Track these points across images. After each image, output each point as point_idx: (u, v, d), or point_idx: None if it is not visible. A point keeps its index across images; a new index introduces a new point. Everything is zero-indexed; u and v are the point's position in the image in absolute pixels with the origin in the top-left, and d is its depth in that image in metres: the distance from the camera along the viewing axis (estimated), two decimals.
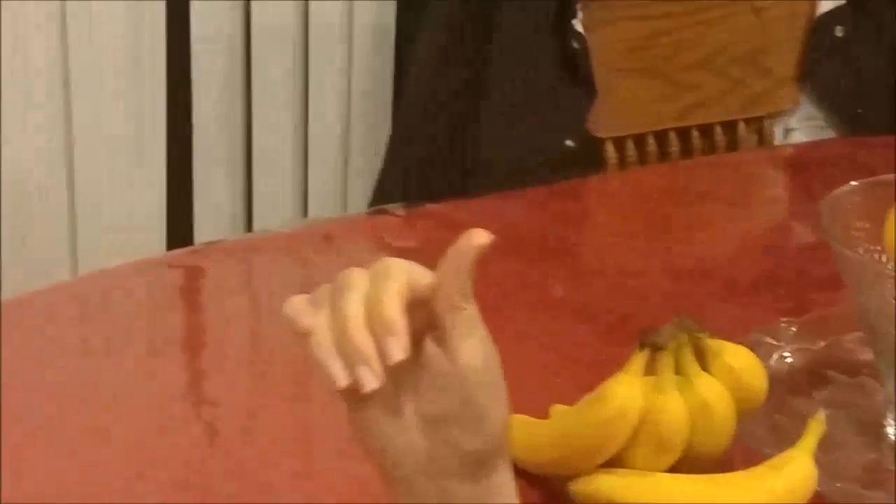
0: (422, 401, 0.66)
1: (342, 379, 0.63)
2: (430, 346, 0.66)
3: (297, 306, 0.65)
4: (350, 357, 0.63)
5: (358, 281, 0.65)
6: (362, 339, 0.63)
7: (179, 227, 2.00)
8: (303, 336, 0.65)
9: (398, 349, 0.63)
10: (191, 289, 1.41)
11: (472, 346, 0.65)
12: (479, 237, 0.64)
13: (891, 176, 1.09)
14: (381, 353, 0.63)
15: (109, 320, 1.31)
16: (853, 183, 1.10)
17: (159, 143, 2.04)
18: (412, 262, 0.66)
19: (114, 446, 1.09)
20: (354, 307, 0.64)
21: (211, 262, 1.43)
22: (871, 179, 1.10)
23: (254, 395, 1.19)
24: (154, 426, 1.12)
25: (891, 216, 1.04)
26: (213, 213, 2.10)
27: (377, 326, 0.63)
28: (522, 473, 0.99)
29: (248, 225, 2.14)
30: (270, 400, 1.17)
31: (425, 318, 0.65)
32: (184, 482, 1.04)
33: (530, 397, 1.03)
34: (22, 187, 2.02)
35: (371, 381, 0.63)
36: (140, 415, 1.13)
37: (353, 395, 0.64)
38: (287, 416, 1.15)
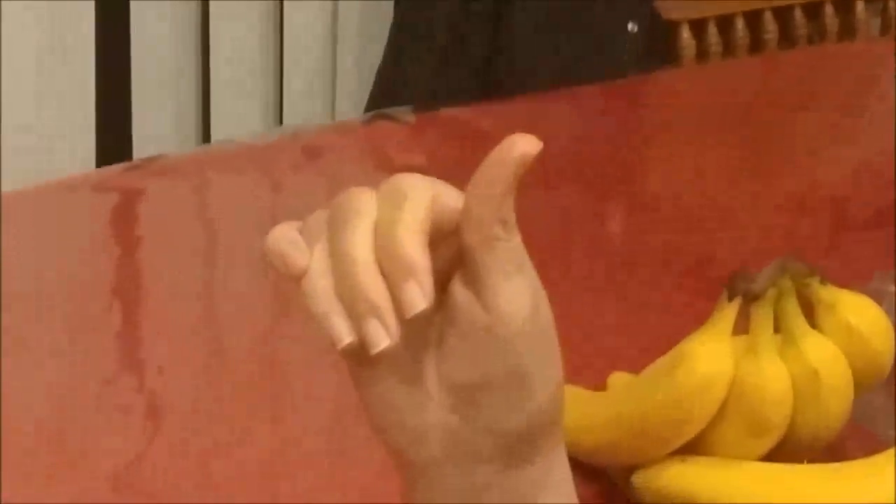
0: (448, 364, 0.65)
1: (346, 336, 0.62)
2: (459, 292, 0.64)
3: (284, 236, 0.64)
4: (356, 308, 0.62)
5: (365, 206, 0.63)
6: (372, 285, 0.62)
7: (113, 140, 2.00)
8: (293, 280, 0.64)
9: (419, 297, 0.61)
10: (126, 216, 1.42)
11: (515, 291, 0.63)
12: (526, 144, 0.62)
13: None
14: (397, 303, 0.62)
15: (29, 250, 1.32)
16: None
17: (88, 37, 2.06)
18: (435, 180, 0.64)
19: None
20: (361, 242, 0.62)
21: (151, 183, 1.45)
22: None
23: (210, 356, 1.21)
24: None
25: None
26: (156, 124, 2.11)
27: (391, 267, 0.62)
28: (575, 461, 1.01)
29: (206, 136, 2.16)
30: (232, 360, 1.19)
31: (453, 255, 0.64)
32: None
33: (583, 362, 1.06)
34: None
35: (383, 339, 0.61)
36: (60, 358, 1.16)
37: (360, 357, 0.63)
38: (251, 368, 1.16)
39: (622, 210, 1.38)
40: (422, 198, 0.63)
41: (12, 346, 1.16)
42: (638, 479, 0.99)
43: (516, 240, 0.63)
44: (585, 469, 1.00)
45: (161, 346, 1.22)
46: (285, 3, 2.23)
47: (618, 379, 1.03)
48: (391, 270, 0.62)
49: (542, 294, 0.64)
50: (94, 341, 1.21)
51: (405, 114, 1.49)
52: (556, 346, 0.65)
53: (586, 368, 1.04)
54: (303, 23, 2.22)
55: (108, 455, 1.07)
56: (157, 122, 2.18)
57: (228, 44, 2.21)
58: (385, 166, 1.38)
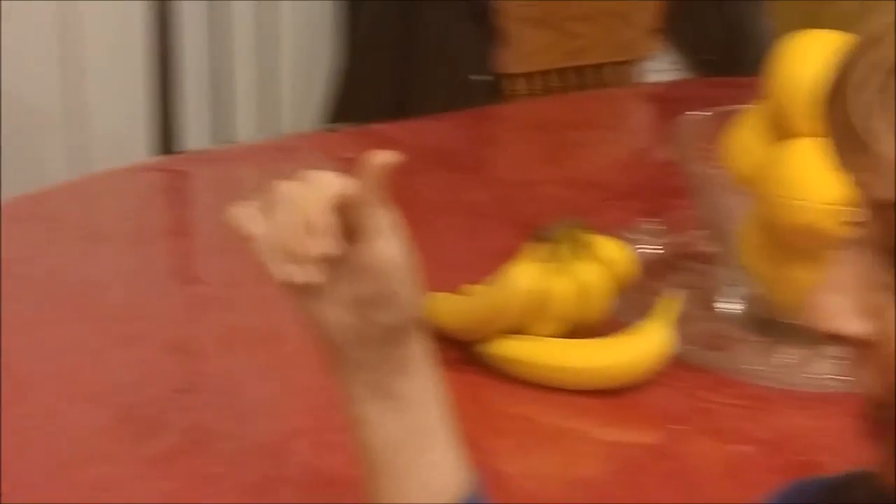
0: (347, 287, 0.64)
1: (287, 277, 0.62)
2: (353, 242, 0.63)
3: (241, 213, 0.63)
4: (290, 256, 0.62)
5: (291, 189, 0.63)
6: (299, 241, 0.61)
7: (164, 138, 1.93)
8: (247, 241, 0.63)
9: (327, 246, 0.61)
10: (173, 189, 1.38)
11: (385, 245, 0.63)
12: (384, 157, 0.62)
13: (728, 108, 1.10)
14: (315, 251, 0.62)
15: (105, 215, 1.28)
16: (700, 112, 1.11)
17: (142, 60, 1.96)
18: (337, 174, 0.64)
19: (112, 318, 1.07)
20: (292, 213, 0.62)
21: (192, 167, 1.41)
22: (711, 109, 1.12)
23: (232, 273, 1.17)
24: (147, 301, 1.10)
25: (726, 139, 1.06)
26: (191, 127, 2.02)
27: (310, 227, 0.61)
28: (444, 338, 1.01)
29: (217, 136, 2.10)
30: (245, 277, 1.17)
31: (352, 221, 0.63)
32: (173, 345, 1.04)
33: (451, 279, 1.04)
34: (20, 105, 1.90)
35: (308, 275, 0.62)
36: (134, 293, 1.12)
37: (296, 288, 0.63)
38: (258, 289, 1.14)
39: (479, 187, 1.36)
40: (327, 185, 0.63)
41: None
42: (484, 347, 0.99)
43: (388, 212, 0.63)
44: (452, 341, 0.99)
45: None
46: None
47: (471, 288, 1.02)
48: (311, 230, 0.62)
49: (405, 243, 0.64)
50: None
51: (345, 128, 1.48)
52: (415, 274, 0.65)
53: (454, 283, 1.03)
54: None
55: None
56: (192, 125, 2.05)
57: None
58: (331, 160, 1.36)
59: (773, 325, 1.03)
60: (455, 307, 1.01)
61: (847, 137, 0.45)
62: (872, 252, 0.46)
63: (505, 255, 1.02)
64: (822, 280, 0.47)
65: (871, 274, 0.46)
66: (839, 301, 0.46)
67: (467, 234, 1.23)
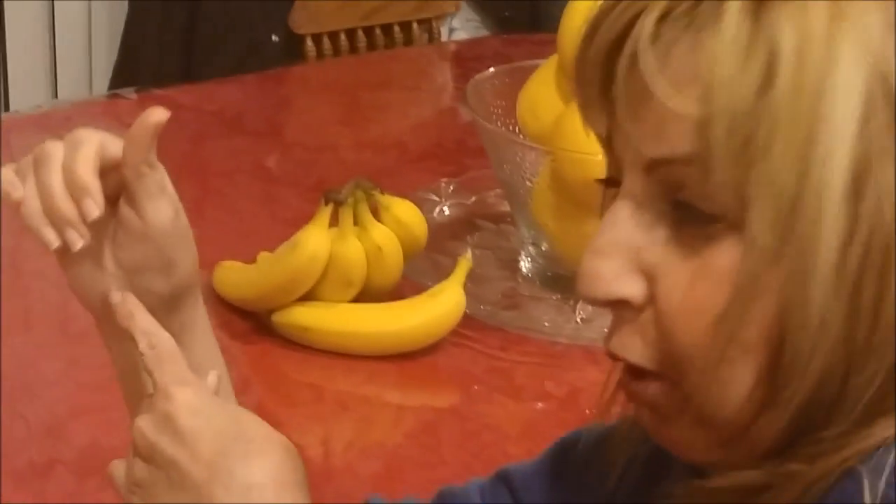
0: (120, 252, 0.62)
1: (54, 242, 0.59)
2: (123, 207, 0.60)
3: (8, 177, 0.60)
4: (57, 221, 0.59)
5: (54, 151, 0.59)
6: (64, 205, 0.58)
7: None
8: (13, 206, 0.59)
9: (93, 208, 0.58)
10: None
11: (157, 207, 0.60)
12: (156, 114, 0.60)
13: (521, 63, 1.11)
14: (81, 214, 0.58)
15: None
16: (492, 69, 1.11)
17: None
18: (103, 132, 0.60)
19: None
20: (54, 175, 0.58)
21: None
22: (507, 66, 1.12)
23: (8, 249, 1.13)
24: None
25: (520, 96, 1.07)
26: None
27: (74, 190, 0.58)
28: (234, 308, 0.99)
29: (6, 107, 2.02)
30: (23, 252, 1.12)
31: (118, 182, 0.60)
32: None
33: (245, 247, 1.02)
34: None
35: (77, 241, 0.59)
36: None
37: (66, 253, 0.60)
38: (36, 264, 1.10)
39: (271, 151, 1.35)
40: (92, 143, 0.60)
41: None
42: (276, 316, 0.97)
43: (159, 173, 0.60)
44: (243, 312, 0.98)
45: None
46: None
47: (262, 256, 1.01)
48: (74, 192, 0.59)
49: (179, 206, 0.62)
50: None
51: (130, 93, 1.43)
52: (191, 239, 0.63)
53: (244, 251, 1.01)
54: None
55: None
56: None
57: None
58: (118, 128, 1.31)
59: (567, 281, 1.05)
60: (244, 276, 0.99)
61: (630, 95, 0.45)
62: (643, 212, 0.46)
63: (299, 220, 1.00)
64: (591, 244, 0.46)
65: (641, 235, 0.46)
66: (609, 264, 0.46)
67: (261, 201, 1.20)
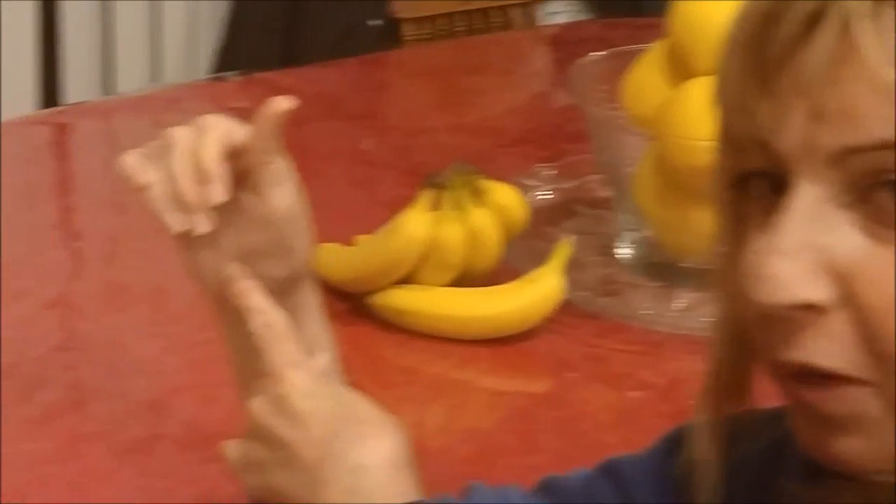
0: (240, 237, 0.63)
1: (178, 226, 0.61)
2: (246, 192, 0.62)
3: (130, 162, 0.61)
4: (181, 206, 0.60)
5: (181, 136, 0.61)
6: (189, 190, 0.60)
7: (47, 90, 1.90)
8: (139, 191, 0.61)
9: (218, 194, 0.60)
10: (59, 143, 1.36)
11: (279, 194, 0.62)
12: (283, 104, 0.61)
13: (626, 48, 1.10)
14: (206, 199, 0.60)
15: None
16: (597, 53, 1.10)
17: (28, 17, 1.92)
18: (228, 119, 0.62)
19: None
20: (180, 160, 0.60)
21: (75, 120, 1.38)
22: (610, 51, 1.11)
23: (115, 228, 1.16)
24: (28, 258, 1.08)
25: (625, 80, 1.05)
26: (77, 78, 1.99)
27: (200, 175, 0.60)
28: (332, 290, 1.00)
29: (108, 88, 2.06)
30: (128, 232, 1.15)
31: (243, 168, 0.61)
32: (54, 301, 1.01)
33: (343, 229, 1.03)
34: None
35: (200, 225, 0.60)
36: (14, 249, 1.08)
37: (188, 240, 0.62)
38: (141, 244, 1.13)
39: (368, 135, 1.35)
40: (218, 130, 0.61)
41: None
42: (373, 299, 0.98)
43: (282, 162, 0.61)
44: (340, 293, 0.99)
45: None
46: None
47: (361, 239, 1.02)
48: (199, 178, 0.60)
49: (299, 194, 0.63)
50: None
51: (234, 76, 1.45)
52: (308, 226, 0.64)
53: (342, 233, 1.02)
54: None
55: None
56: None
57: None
58: (220, 110, 1.32)
59: (667, 269, 1.04)
60: (343, 258, 1.00)
61: (825, 80, 0.42)
62: (827, 206, 0.43)
63: (397, 203, 1.01)
64: (770, 246, 0.43)
65: (826, 232, 0.43)
66: (792, 266, 0.43)
67: (359, 184, 1.21)
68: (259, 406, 0.59)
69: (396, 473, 0.57)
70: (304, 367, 0.60)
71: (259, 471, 0.60)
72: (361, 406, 0.59)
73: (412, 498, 0.57)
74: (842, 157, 0.42)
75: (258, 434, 0.59)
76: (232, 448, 0.62)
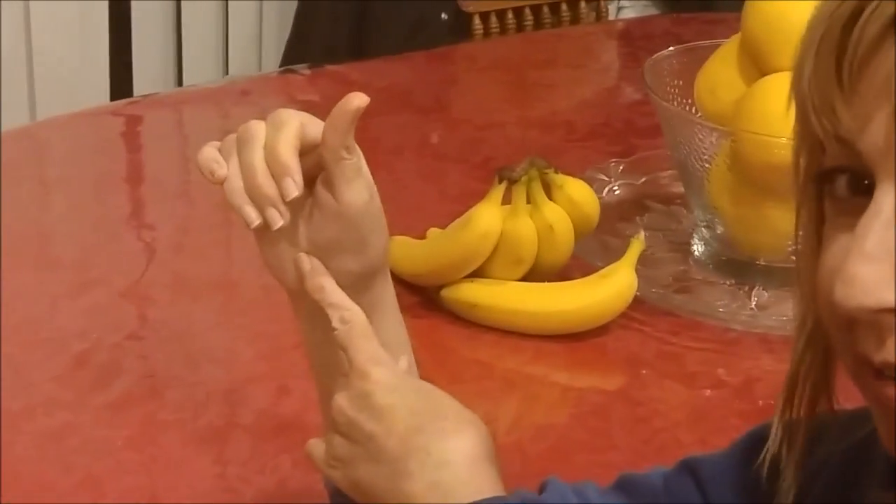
0: (315, 232, 0.63)
1: (255, 220, 0.61)
2: (320, 188, 0.62)
3: (209, 156, 0.62)
4: (258, 200, 0.60)
5: (257, 131, 0.61)
6: (265, 184, 0.60)
7: (120, 81, 1.91)
8: (216, 184, 0.61)
9: (293, 188, 0.59)
10: (131, 133, 1.37)
11: (354, 190, 0.61)
12: (357, 100, 0.60)
13: (699, 43, 1.09)
14: (281, 193, 0.60)
15: (58, 161, 1.26)
16: (670, 49, 1.10)
17: (103, 11, 1.95)
18: (304, 113, 0.62)
19: (65, 265, 1.06)
20: (257, 155, 0.60)
21: (146, 112, 1.39)
22: (683, 46, 1.11)
23: (186, 219, 1.17)
24: (101, 248, 1.09)
25: (699, 76, 1.05)
26: (149, 70, 2.01)
27: (275, 169, 0.60)
28: (403, 283, 1.00)
29: (179, 81, 2.08)
30: (199, 223, 1.16)
31: (317, 162, 0.61)
32: (127, 291, 1.02)
33: (413, 223, 1.03)
34: None
35: (276, 219, 0.60)
36: (88, 240, 1.11)
37: (263, 231, 0.62)
38: (213, 235, 1.14)
39: (438, 128, 1.35)
40: (294, 124, 0.61)
41: None
42: (444, 292, 0.98)
43: (356, 157, 0.61)
44: (413, 287, 0.99)
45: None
46: None
47: (432, 232, 1.02)
48: (275, 172, 0.60)
49: (373, 189, 0.63)
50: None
51: (303, 69, 1.46)
52: (383, 220, 0.64)
53: (414, 227, 1.02)
54: None
55: None
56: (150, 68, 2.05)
57: None
58: (290, 103, 1.34)
59: (742, 266, 1.03)
60: (414, 252, 1.00)
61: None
62: None
63: (468, 197, 1.01)
64: (855, 249, 0.43)
65: None
66: (878, 270, 0.43)
67: (428, 177, 1.21)
68: (343, 401, 0.60)
69: (479, 469, 0.57)
70: (386, 364, 0.60)
71: (344, 466, 0.60)
72: (444, 401, 0.59)
73: (494, 493, 0.57)
74: None
75: (343, 429, 0.60)
76: (316, 447, 0.63)
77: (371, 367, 0.60)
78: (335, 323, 0.61)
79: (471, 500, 0.56)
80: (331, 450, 0.61)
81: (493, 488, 0.57)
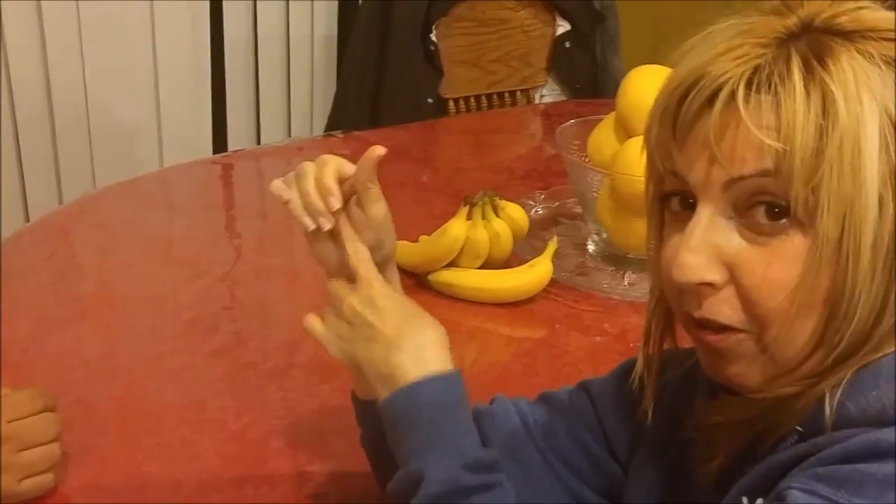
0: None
1: (310, 225, 0.60)
2: (353, 206, 0.61)
3: (278, 185, 0.62)
4: (312, 212, 0.60)
5: (309, 167, 0.61)
6: (317, 201, 0.59)
7: (219, 141, 1.91)
8: (284, 203, 0.61)
9: (335, 203, 0.59)
10: (226, 176, 1.36)
11: (376, 208, 0.60)
12: (378, 150, 0.60)
13: (591, 118, 1.09)
14: (327, 206, 0.60)
15: (179, 194, 1.25)
16: (572, 121, 1.11)
17: (206, 89, 1.92)
18: (340, 158, 0.62)
19: (183, 261, 1.05)
20: (310, 183, 0.59)
21: (237, 161, 1.38)
22: (581, 119, 1.11)
23: (262, 230, 1.16)
24: (206, 250, 1.07)
25: (590, 138, 1.05)
26: (236, 133, 1.99)
27: (322, 192, 0.59)
28: (403, 270, 0.99)
29: (258, 139, 2.07)
30: (271, 232, 1.14)
31: (349, 190, 0.61)
32: (223, 277, 1.01)
33: (409, 232, 1.02)
34: (110, 115, 1.83)
35: (325, 225, 0.60)
36: (197, 244, 1.09)
37: (315, 235, 0.61)
38: (280, 240, 1.13)
39: (427, 172, 1.34)
40: (334, 162, 0.61)
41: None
42: (430, 276, 0.97)
43: (376, 187, 0.61)
44: (409, 273, 0.98)
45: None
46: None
47: (422, 238, 1.01)
48: (322, 193, 0.60)
49: (387, 208, 0.62)
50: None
51: (339, 134, 1.45)
52: (393, 229, 0.63)
53: (410, 235, 1.01)
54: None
55: None
56: (239, 131, 1.98)
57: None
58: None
59: (619, 259, 1.04)
60: (410, 250, 1.00)
61: (721, 137, 0.43)
62: (720, 218, 0.44)
63: (446, 216, 1.01)
64: (683, 245, 0.44)
65: (719, 235, 0.44)
66: (698, 258, 0.44)
67: (421, 203, 1.21)
68: (354, 300, 0.58)
69: (443, 351, 0.56)
70: (381, 279, 0.59)
71: (343, 342, 0.59)
72: (418, 308, 0.59)
73: (454, 367, 0.56)
74: (729, 186, 0.43)
75: (350, 318, 0.58)
76: (314, 322, 0.61)
77: (373, 279, 0.59)
78: (350, 252, 0.60)
79: (442, 369, 0.55)
80: (334, 329, 0.59)
81: (453, 365, 0.56)
